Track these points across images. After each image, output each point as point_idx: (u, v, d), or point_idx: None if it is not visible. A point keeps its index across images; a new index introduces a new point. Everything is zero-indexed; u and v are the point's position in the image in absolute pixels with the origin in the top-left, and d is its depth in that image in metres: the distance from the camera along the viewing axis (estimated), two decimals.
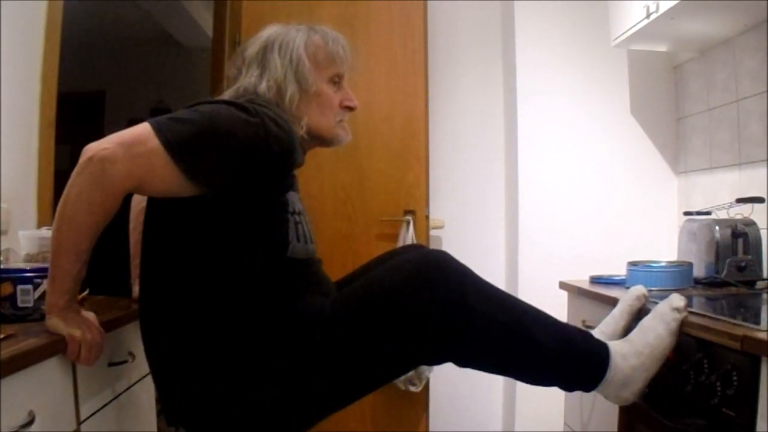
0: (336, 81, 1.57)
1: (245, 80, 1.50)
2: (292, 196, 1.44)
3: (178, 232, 1.34)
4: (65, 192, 1.21)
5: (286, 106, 1.47)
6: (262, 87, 1.48)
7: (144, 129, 1.23)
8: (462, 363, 1.37)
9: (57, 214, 1.21)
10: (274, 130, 1.30)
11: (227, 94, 1.50)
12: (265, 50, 1.52)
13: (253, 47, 1.54)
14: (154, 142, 1.21)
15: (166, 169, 1.23)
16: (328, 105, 1.55)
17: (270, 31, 1.56)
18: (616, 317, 1.58)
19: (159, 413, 1.85)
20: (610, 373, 1.37)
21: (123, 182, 1.21)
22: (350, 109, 1.59)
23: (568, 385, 1.42)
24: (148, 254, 1.39)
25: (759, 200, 2.05)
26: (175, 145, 1.22)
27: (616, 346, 1.40)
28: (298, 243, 1.41)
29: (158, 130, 1.22)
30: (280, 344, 1.31)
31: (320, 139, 1.57)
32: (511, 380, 2.81)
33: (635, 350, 1.39)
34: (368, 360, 1.32)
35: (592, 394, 1.41)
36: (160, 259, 1.36)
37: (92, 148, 1.20)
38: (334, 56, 1.55)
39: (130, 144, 1.21)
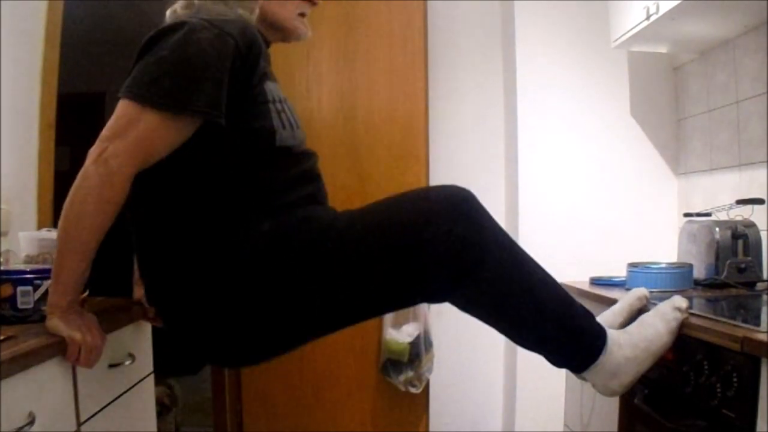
0: None
1: None
2: (269, 85, 1.41)
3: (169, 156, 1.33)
4: (71, 193, 1.21)
5: None
6: None
7: (129, 108, 1.24)
8: (461, 304, 1.35)
9: (63, 215, 1.21)
10: (230, 28, 1.30)
11: (179, 3, 1.48)
12: None
13: None
14: (147, 113, 1.23)
15: (169, 128, 1.25)
16: None
17: None
18: (615, 313, 1.57)
19: (159, 414, 1.85)
20: (603, 359, 1.34)
21: (130, 169, 1.23)
22: (312, 3, 1.57)
23: (559, 357, 1.39)
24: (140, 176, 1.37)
25: (759, 201, 2.05)
26: (169, 101, 1.24)
27: (613, 334, 1.38)
28: (285, 130, 1.39)
29: (142, 99, 1.24)
30: (286, 248, 1.30)
31: (279, 30, 1.55)
32: (511, 381, 2.82)
33: (632, 342, 1.37)
34: (375, 281, 1.30)
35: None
36: (152, 176, 1.34)
37: (93, 153, 1.22)
38: None
39: (123, 130, 1.22)
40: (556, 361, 1.41)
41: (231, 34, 1.30)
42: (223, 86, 1.29)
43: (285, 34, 1.56)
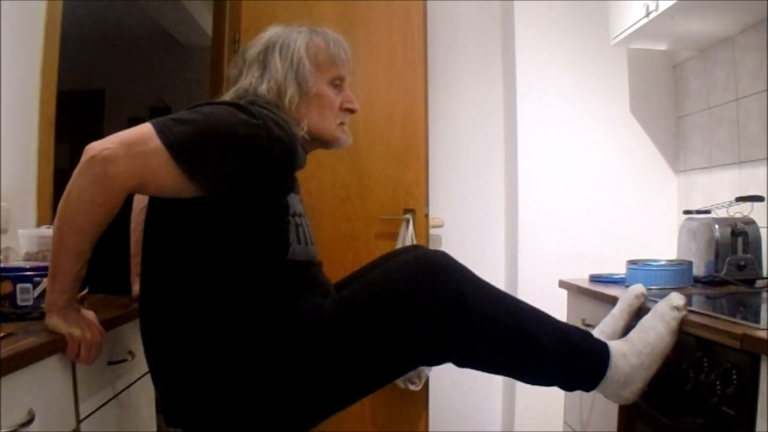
0: (337, 84, 1.57)
1: (245, 81, 1.50)
2: (292, 198, 1.44)
3: (178, 232, 1.34)
4: (66, 191, 1.21)
5: (285, 108, 1.47)
6: (263, 88, 1.48)
7: (146, 129, 1.23)
8: (461, 363, 1.37)
9: (58, 213, 1.21)
10: (275, 131, 1.30)
11: (228, 96, 1.50)
12: (267, 51, 1.52)
13: (254, 48, 1.54)
14: (156, 142, 1.21)
15: (167, 170, 1.23)
16: (329, 107, 1.55)
17: (271, 33, 1.56)
18: (615, 317, 1.58)
19: (158, 412, 1.85)
20: (611, 373, 1.36)
21: (124, 182, 1.21)
22: (351, 111, 1.60)
23: (569, 384, 1.42)
24: (149, 254, 1.39)
25: (759, 199, 2.05)
26: (177, 145, 1.22)
27: (616, 346, 1.40)
28: (299, 245, 1.41)
29: (160, 130, 1.22)
30: (278, 345, 1.31)
31: (320, 141, 1.57)
32: (511, 380, 2.82)
33: (635, 349, 1.39)
34: (367, 362, 1.32)
35: (592, 392, 1.41)
36: (161, 258, 1.36)
37: (94, 148, 1.20)
38: (335, 58, 1.55)
39: (132, 144, 1.21)
40: (567, 387, 1.43)
41: (270, 140, 1.29)
42: (230, 174, 1.28)
43: (326, 143, 1.59)
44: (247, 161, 1.29)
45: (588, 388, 1.40)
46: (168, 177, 1.24)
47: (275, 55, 1.50)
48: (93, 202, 1.20)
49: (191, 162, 1.24)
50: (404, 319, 1.28)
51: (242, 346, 1.31)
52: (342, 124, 1.59)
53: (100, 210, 1.21)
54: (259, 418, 1.31)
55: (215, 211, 1.31)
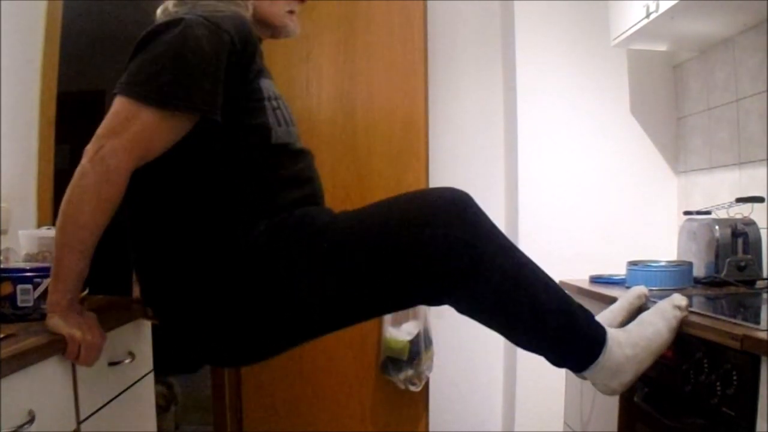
0: None
1: None
2: (264, 83, 1.42)
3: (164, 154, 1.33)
4: (69, 192, 1.21)
5: None
6: None
7: (125, 105, 1.24)
8: (462, 308, 1.35)
9: (61, 213, 1.21)
10: (225, 24, 1.30)
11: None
12: None
13: None
14: (143, 111, 1.23)
15: (166, 125, 1.25)
16: None
17: None
18: (614, 312, 1.57)
19: (159, 412, 1.85)
20: (603, 358, 1.34)
21: (129, 166, 1.23)
22: (300, 1, 1.58)
23: (559, 357, 1.39)
24: (136, 178, 1.36)
25: (759, 200, 2.05)
26: (164, 98, 1.24)
27: (613, 333, 1.38)
28: (280, 127, 1.40)
29: (138, 96, 1.24)
30: (283, 248, 1.30)
31: (269, 27, 1.55)
32: (511, 379, 2.82)
33: (632, 341, 1.37)
34: (367, 287, 1.30)
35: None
36: (145, 176, 1.34)
37: (90, 151, 1.21)
38: None
39: (120, 128, 1.22)
40: (556, 360, 1.40)
41: (227, 30, 1.30)
42: (220, 83, 1.29)
43: (275, 30, 1.57)
44: (224, 64, 1.29)
45: (578, 367, 1.37)
46: (169, 129, 1.26)
47: None
48: (100, 198, 1.20)
49: (186, 100, 1.25)
50: (417, 247, 1.26)
51: (240, 241, 1.30)
52: (291, 12, 1.57)
53: (107, 203, 1.22)
54: (252, 325, 1.31)
55: (198, 126, 1.31)
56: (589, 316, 1.39)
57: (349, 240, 1.30)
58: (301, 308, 1.31)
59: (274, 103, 1.42)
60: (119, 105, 1.25)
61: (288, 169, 1.40)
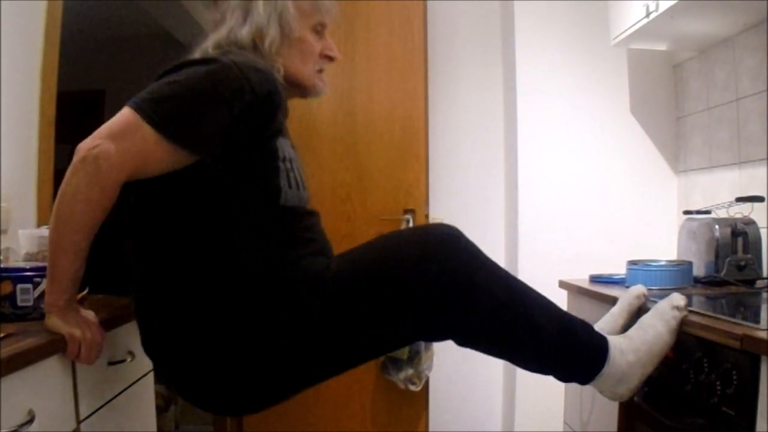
0: (318, 30, 1.55)
1: (227, 26, 1.48)
2: (281, 142, 1.41)
3: (169, 194, 1.32)
4: (60, 192, 1.21)
5: (265, 50, 1.45)
6: (244, 31, 1.46)
7: (129, 116, 1.23)
8: (462, 341, 1.35)
9: (53, 214, 1.21)
10: (253, 75, 1.30)
11: (209, 43, 1.48)
12: None
13: None
14: (143, 126, 1.22)
15: (161, 150, 1.23)
16: (309, 52, 1.53)
17: None
18: (615, 315, 1.58)
19: (158, 412, 1.85)
20: (608, 368, 1.36)
21: (119, 175, 1.22)
22: (330, 59, 1.58)
23: (565, 374, 1.41)
24: (140, 219, 1.37)
25: (759, 199, 2.04)
26: (164, 123, 1.22)
27: (614, 341, 1.39)
28: (290, 190, 1.39)
29: (143, 113, 1.23)
30: (277, 305, 1.29)
31: (298, 87, 1.55)
32: (511, 379, 2.82)
33: (634, 346, 1.38)
34: (369, 330, 1.31)
35: (592, 392, 1.41)
36: (151, 222, 1.34)
37: (84, 148, 1.20)
38: (319, 5, 1.54)
39: (120, 135, 1.21)
40: (563, 377, 1.42)
41: (252, 82, 1.29)
42: (224, 131, 1.28)
43: (304, 90, 1.57)
44: (236, 113, 1.28)
45: (584, 380, 1.39)
46: (163, 156, 1.24)
47: None
48: (89, 200, 1.20)
49: (182, 133, 1.24)
50: (410, 291, 1.27)
51: (238, 305, 1.29)
52: (320, 71, 1.57)
53: (97, 207, 1.21)
54: (252, 378, 1.30)
55: (204, 167, 1.30)
56: (589, 329, 1.41)
57: (343, 291, 1.30)
58: (299, 360, 1.31)
59: (288, 165, 1.41)
60: (125, 114, 1.24)
61: (292, 229, 1.39)
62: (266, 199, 1.35)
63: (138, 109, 1.23)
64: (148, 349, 1.39)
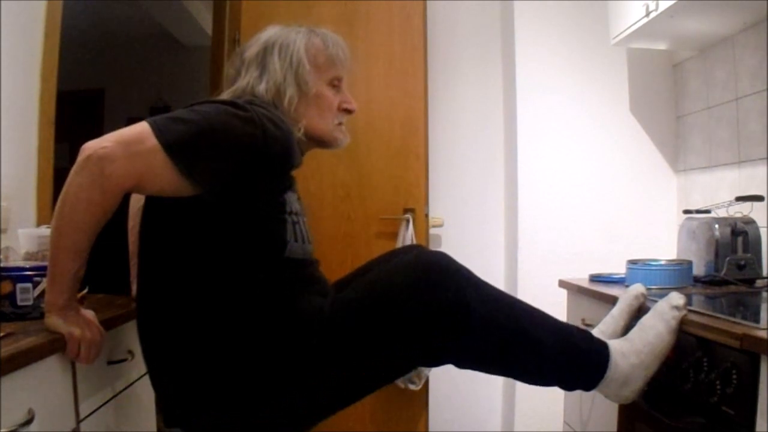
0: (335, 84, 1.57)
1: (243, 81, 1.50)
2: (289, 196, 1.43)
3: (175, 231, 1.34)
4: (64, 190, 1.21)
5: (284, 108, 1.47)
6: (261, 88, 1.48)
7: (143, 128, 1.23)
8: (462, 364, 1.37)
9: (55, 212, 1.21)
10: (272, 130, 1.30)
11: (226, 95, 1.50)
12: (265, 52, 1.51)
13: (252, 48, 1.53)
14: (153, 141, 1.21)
15: (164, 169, 1.23)
16: (327, 107, 1.55)
17: (270, 33, 1.55)
18: (615, 317, 1.58)
19: (158, 412, 1.85)
20: (611, 372, 1.37)
21: (122, 181, 1.21)
22: (349, 112, 1.61)
23: (569, 384, 1.42)
24: (146, 254, 1.39)
25: (759, 198, 2.05)
26: (174, 145, 1.22)
27: (616, 345, 1.40)
28: (296, 243, 1.41)
29: (157, 129, 1.22)
30: (277, 346, 1.30)
31: (318, 142, 1.58)
32: (511, 380, 2.82)
33: (635, 349, 1.39)
34: (367, 363, 1.32)
35: (593, 392, 1.41)
36: (157, 258, 1.36)
37: (91, 147, 1.19)
38: (334, 59, 1.55)
39: (129, 143, 1.21)
40: (567, 387, 1.43)
41: (266, 138, 1.29)
42: (227, 173, 1.28)
43: (324, 144, 1.59)
44: (244, 160, 1.29)
45: (588, 387, 1.40)
46: (165, 176, 1.24)
47: (274, 55, 1.50)
48: (90, 201, 1.19)
49: (188, 161, 1.24)
50: (405, 321, 1.28)
51: (239, 346, 1.30)
52: (340, 124, 1.60)
53: (98, 209, 1.21)
54: (255, 419, 1.31)
55: (212, 210, 1.30)
56: (588, 337, 1.42)
57: (338, 331, 1.30)
58: (300, 397, 1.31)
59: (294, 218, 1.43)
60: (140, 126, 1.24)
61: (293, 275, 1.39)
62: (272, 249, 1.36)
63: (153, 123, 1.24)
64: (154, 379, 1.39)
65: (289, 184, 1.45)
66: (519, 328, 1.32)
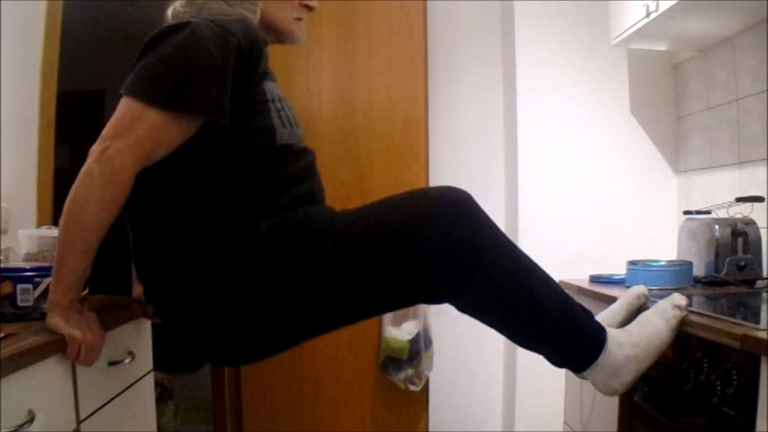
0: None
1: None
2: (269, 85, 1.42)
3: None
4: (73, 192, 1.21)
5: None
6: None
7: (132, 105, 1.24)
8: (462, 306, 1.36)
9: (64, 213, 1.21)
10: (233, 28, 1.30)
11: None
12: None
13: None
14: (149, 112, 1.23)
15: (172, 128, 1.25)
16: None
17: None
18: (614, 312, 1.58)
19: (158, 412, 1.85)
20: (603, 359, 1.35)
21: (134, 168, 1.23)
22: (309, 8, 1.59)
23: (560, 357, 1.40)
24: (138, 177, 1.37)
25: (759, 199, 2.05)
26: (172, 100, 1.24)
27: (613, 333, 1.38)
28: (284, 128, 1.40)
29: (147, 97, 1.23)
30: (285, 247, 1.30)
31: (275, 32, 1.56)
32: (511, 379, 2.82)
33: (632, 341, 1.38)
34: (369, 284, 1.31)
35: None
36: (150, 174, 1.33)
37: (95, 151, 1.21)
38: None
39: (128, 129, 1.22)
40: (556, 360, 1.41)
41: (234, 34, 1.30)
42: (227, 86, 1.29)
43: (281, 36, 1.57)
44: (231, 68, 1.29)
45: (578, 367, 1.38)
46: (176, 131, 1.26)
47: None
48: (105, 198, 1.20)
49: (194, 103, 1.25)
50: (417, 246, 1.26)
51: (242, 240, 1.30)
52: (299, 19, 1.58)
53: (112, 205, 1.22)
54: (253, 324, 1.31)
55: (204, 126, 1.31)
56: (590, 316, 1.40)
57: (351, 239, 1.30)
58: (304, 306, 1.31)
59: (278, 105, 1.42)
60: (125, 106, 1.25)
61: (290, 168, 1.41)
62: (262, 140, 1.36)
63: (138, 95, 1.24)
64: (150, 297, 1.41)
65: (264, 72, 1.42)
66: (527, 285, 1.31)
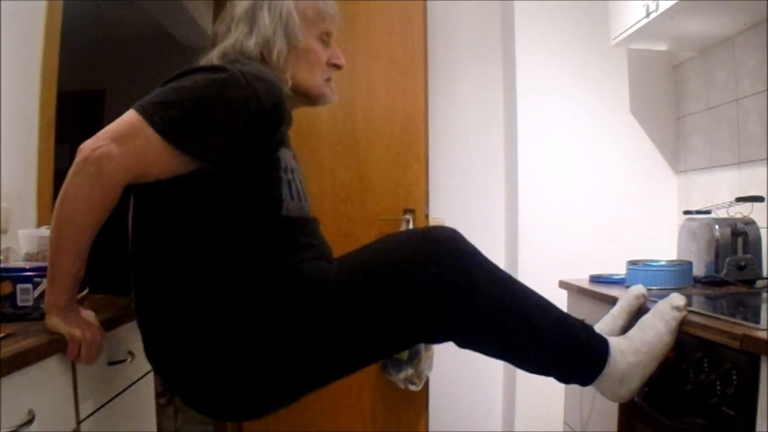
0: (324, 39, 1.56)
1: (233, 37, 1.49)
2: (284, 153, 1.41)
3: (170, 200, 1.33)
4: (62, 192, 1.21)
5: (273, 62, 1.46)
6: (250, 43, 1.46)
7: (134, 119, 1.23)
8: (462, 342, 1.36)
9: (55, 214, 1.21)
10: (259, 86, 1.29)
11: (215, 53, 1.49)
12: (255, 7, 1.49)
13: (242, 4, 1.51)
14: (147, 130, 1.22)
15: (164, 155, 1.24)
16: (316, 62, 1.54)
17: None
18: (615, 316, 1.58)
19: (158, 412, 1.85)
20: (608, 369, 1.36)
21: (122, 177, 1.22)
22: (337, 67, 1.59)
23: (566, 376, 1.41)
24: (141, 226, 1.37)
25: (759, 199, 2.04)
26: (169, 129, 1.22)
27: (615, 342, 1.40)
28: (292, 201, 1.40)
29: (149, 117, 1.22)
30: (280, 308, 1.30)
31: (306, 97, 1.55)
32: (511, 379, 2.82)
33: (634, 347, 1.39)
34: (370, 331, 1.32)
35: (592, 392, 1.41)
36: (153, 230, 1.35)
37: (87, 147, 1.20)
38: (324, 13, 1.55)
39: (124, 137, 1.21)
40: (563, 379, 1.43)
41: (257, 92, 1.28)
42: (231, 139, 1.28)
43: (313, 100, 1.57)
44: (240, 123, 1.28)
45: (585, 382, 1.40)
46: (166, 161, 1.24)
47: (264, 10, 1.48)
48: (91, 201, 1.20)
49: (187, 141, 1.24)
50: (411, 290, 1.27)
51: (241, 309, 1.29)
52: (328, 80, 1.58)
53: (99, 208, 1.21)
54: (254, 384, 1.31)
55: (206, 176, 1.29)
56: (589, 331, 1.41)
57: (347, 289, 1.31)
58: (303, 364, 1.31)
59: (290, 176, 1.42)
60: (129, 116, 1.24)
61: (293, 237, 1.39)
62: (268, 209, 1.36)
63: (143, 112, 1.23)
64: (151, 355, 1.39)
65: (282, 140, 1.42)
66: (523, 313, 1.32)
